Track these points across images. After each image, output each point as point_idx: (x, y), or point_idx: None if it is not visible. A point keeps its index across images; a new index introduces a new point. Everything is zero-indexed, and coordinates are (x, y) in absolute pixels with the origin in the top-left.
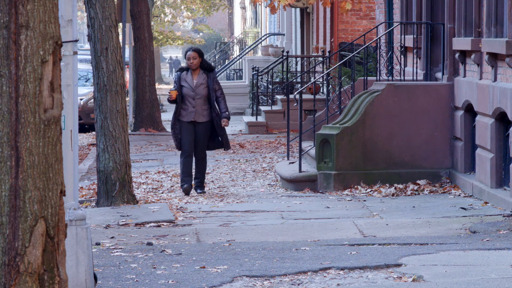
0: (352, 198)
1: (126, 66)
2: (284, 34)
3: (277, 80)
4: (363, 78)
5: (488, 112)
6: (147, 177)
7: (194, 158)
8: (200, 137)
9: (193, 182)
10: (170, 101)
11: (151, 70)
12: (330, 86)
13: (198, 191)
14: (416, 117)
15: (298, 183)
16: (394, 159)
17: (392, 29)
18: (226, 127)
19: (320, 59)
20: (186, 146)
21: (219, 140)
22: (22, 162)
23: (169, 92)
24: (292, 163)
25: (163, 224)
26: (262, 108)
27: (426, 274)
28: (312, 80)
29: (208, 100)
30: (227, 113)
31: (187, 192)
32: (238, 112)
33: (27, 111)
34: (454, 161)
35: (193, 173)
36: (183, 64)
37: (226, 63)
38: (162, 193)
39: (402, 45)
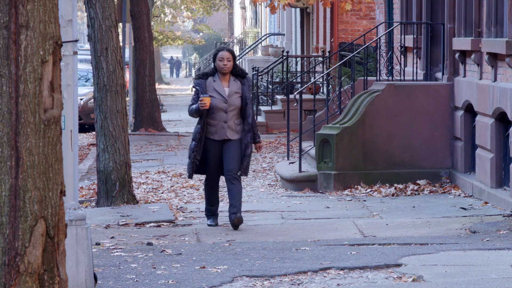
0: (352, 198)
1: (126, 66)
2: (284, 34)
3: (277, 80)
4: (363, 78)
5: (488, 112)
6: (147, 177)
7: (225, 180)
8: (232, 154)
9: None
10: (200, 111)
11: (151, 70)
12: (330, 86)
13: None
14: (416, 117)
15: (298, 183)
16: (394, 159)
17: (392, 29)
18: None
19: (320, 59)
20: (212, 172)
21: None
22: (22, 162)
23: (201, 100)
24: (292, 163)
25: (163, 224)
26: (262, 108)
27: (426, 274)
28: (312, 80)
29: (242, 112)
30: (259, 133)
31: (213, 226)
32: None
33: (27, 111)
34: (454, 161)
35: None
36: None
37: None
38: (162, 193)
39: (402, 45)
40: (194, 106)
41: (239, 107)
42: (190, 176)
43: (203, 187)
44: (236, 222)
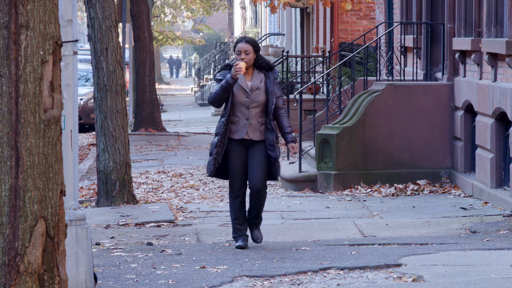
0: (352, 198)
1: (126, 66)
2: (284, 34)
3: (277, 80)
4: (363, 78)
5: (488, 112)
6: (147, 177)
7: (249, 192)
8: (258, 161)
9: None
10: (230, 86)
11: (151, 70)
12: (330, 86)
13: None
14: (416, 117)
15: (298, 183)
16: (394, 159)
17: (392, 29)
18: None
19: (320, 59)
20: (237, 181)
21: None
22: (22, 162)
23: (236, 65)
24: (292, 163)
25: (163, 224)
26: None
27: (426, 274)
28: (312, 80)
29: (266, 109)
30: (293, 134)
31: (242, 248)
32: None
33: (27, 111)
34: (454, 161)
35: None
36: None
37: (226, 63)
38: (162, 193)
39: (402, 45)
40: (223, 82)
41: (263, 103)
42: (211, 175)
43: (228, 199)
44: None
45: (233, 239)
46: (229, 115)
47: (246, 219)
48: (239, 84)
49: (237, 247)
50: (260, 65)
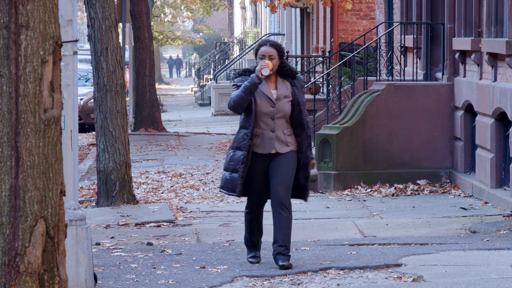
0: (352, 198)
1: (126, 66)
2: (284, 34)
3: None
4: (363, 78)
5: (488, 112)
6: (147, 177)
7: (271, 208)
8: (282, 174)
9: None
10: (255, 86)
11: (151, 70)
12: (330, 86)
13: (280, 262)
14: (416, 117)
15: None
16: (394, 159)
17: (392, 29)
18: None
19: (320, 59)
20: (258, 197)
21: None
22: (22, 162)
23: (263, 67)
24: None
25: (163, 224)
26: None
27: (426, 274)
28: (312, 80)
29: (292, 120)
30: (312, 151)
31: (254, 263)
32: None
33: (27, 111)
34: (454, 161)
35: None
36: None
37: (226, 63)
38: (162, 193)
39: (402, 45)
40: (246, 82)
41: (288, 114)
42: (240, 195)
43: (244, 214)
44: (282, 268)
45: (247, 259)
46: (253, 126)
47: (261, 232)
48: (263, 92)
49: (249, 261)
50: (285, 72)
